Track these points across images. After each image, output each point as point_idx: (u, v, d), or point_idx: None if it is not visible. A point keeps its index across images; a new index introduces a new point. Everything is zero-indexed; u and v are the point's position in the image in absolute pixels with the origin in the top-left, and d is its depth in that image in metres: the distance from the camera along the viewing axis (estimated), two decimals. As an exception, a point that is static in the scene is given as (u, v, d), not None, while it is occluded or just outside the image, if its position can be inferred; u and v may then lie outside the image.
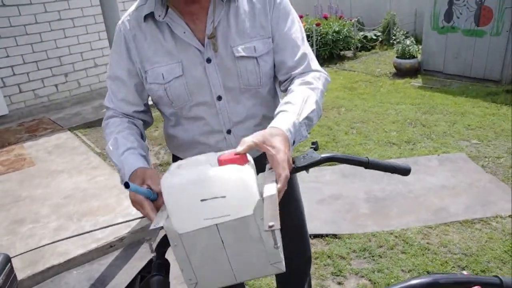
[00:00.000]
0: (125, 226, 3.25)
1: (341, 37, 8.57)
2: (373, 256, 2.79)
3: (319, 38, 8.46)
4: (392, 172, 1.43)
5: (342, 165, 4.10)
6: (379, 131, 4.88)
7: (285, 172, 1.02)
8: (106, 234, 3.17)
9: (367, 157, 1.43)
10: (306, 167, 1.38)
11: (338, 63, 8.42)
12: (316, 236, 3.06)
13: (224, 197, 0.92)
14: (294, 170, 1.37)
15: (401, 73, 7.12)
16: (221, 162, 0.96)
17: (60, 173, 4.33)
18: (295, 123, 1.16)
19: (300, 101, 1.22)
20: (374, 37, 9.36)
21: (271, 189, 0.96)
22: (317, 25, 8.56)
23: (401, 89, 6.44)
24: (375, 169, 1.42)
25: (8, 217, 3.57)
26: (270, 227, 0.81)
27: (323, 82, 1.35)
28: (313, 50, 8.17)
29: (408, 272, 2.63)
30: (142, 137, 1.40)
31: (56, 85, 6.87)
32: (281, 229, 0.86)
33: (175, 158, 1.58)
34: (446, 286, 0.84)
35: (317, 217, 3.29)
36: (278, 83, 1.46)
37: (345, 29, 8.65)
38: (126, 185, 1.03)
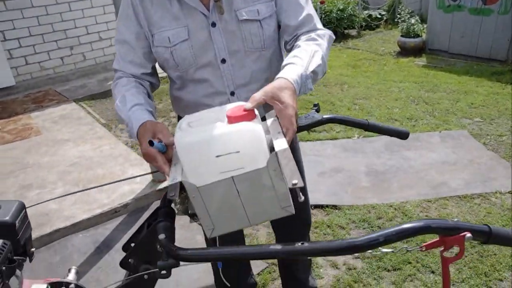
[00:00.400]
0: (130, 193, 3.32)
1: (345, 15, 8.53)
2: (372, 227, 2.86)
3: (323, 16, 8.42)
4: (391, 135, 1.48)
5: (343, 140, 4.16)
6: (382, 108, 4.91)
7: (292, 127, 1.08)
8: (111, 200, 3.24)
9: (367, 119, 1.47)
10: (307, 127, 1.43)
11: (342, 41, 8.40)
12: (316, 206, 3.12)
13: (238, 152, 0.99)
14: (298, 129, 1.42)
15: (405, 52, 7.12)
16: (231, 119, 1.02)
17: (66, 142, 4.39)
18: (302, 75, 1.20)
19: (307, 55, 1.27)
20: (379, 16, 9.31)
21: (282, 143, 1.03)
22: (321, 3, 8.50)
23: (405, 68, 6.45)
24: (375, 131, 1.48)
25: (16, 182, 3.64)
26: (294, 184, 0.87)
27: (328, 40, 1.39)
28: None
29: (406, 242, 2.69)
30: (149, 97, 1.44)
31: (61, 58, 6.89)
32: None
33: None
34: (437, 231, 0.90)
35: (318, 189, 3.34)
36: (284, 44, 1.50)
37: (349, 7, 8.61)
38: (151, 143, 1.11)
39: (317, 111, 1.45)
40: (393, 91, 5.42)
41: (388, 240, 0.84)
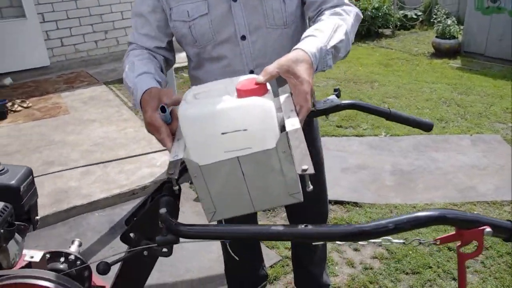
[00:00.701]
0: (149, 175, 3.32)
1: (380, 14, 8.35)
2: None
3: (357, 13, 8.25)
4: (414, 126, 1.41)
5: (370, 137, 4.07)
6: (411, 107, 4.78)
7: (307, 104, 1.00)
8: (130, 182, 3.24)
9: (389, 108, 1.40)
10: (325, 111, 1.37)
11: (375, 40, 8.23)
12: (336, 202, 3.05)
13: (245, 130, 0.91)
14: (314, 113, 1.36)
15: (439, 53, 6.91)
16: (240, 93, 0.94)
17: (92, 122, 4.43)
18: (322, 49, 1.12)
19: (329, 29, 1.18)
20: (415, 17, 9.08)
21: (294, 122, 0.94)
22: (356, 0, 8.36)
23: (438, 69, 6.26)
24: (397, 121, 1.40)
25: (41, 158, 3.70)
26: (304, 170, 0.79)
27: (354, 16, 1.31)
28: (351, 25, 7.99)
29: (428, 246, 2.60)
30: (162, 70, 1.38)
31: (96, 41, 7.01)
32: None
33: None
34: (454, 222, 0.83)
35: (339, 185, 3.27)
36: (308, 20, 1.43)
37: (384, 6, 8.43)
38: (163, 109, 1.03)
39: (338, 96, 1.39)
40: (424, 92, 5.27)
41: (398, 227, 0.77)
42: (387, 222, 0.77)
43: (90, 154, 3.71)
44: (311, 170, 0.80)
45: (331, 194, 3.13)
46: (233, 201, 1.01)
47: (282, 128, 0.96)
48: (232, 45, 1.36)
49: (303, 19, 1.42)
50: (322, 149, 1.72)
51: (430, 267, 2.43)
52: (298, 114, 0.99)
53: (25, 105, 5.03)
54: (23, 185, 1.12)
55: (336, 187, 3.21)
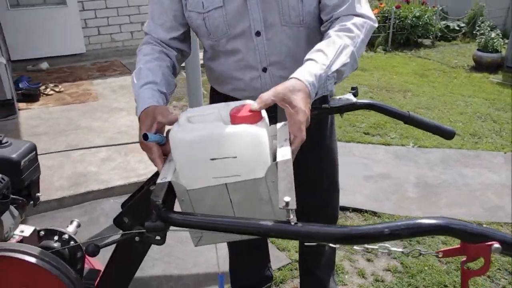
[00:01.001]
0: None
1: (420, 23, 8.15)
2: (410, 240, 2.67)
3: (397, 21, 8.09)
4: (434, 133, 1.35)
5: (397, 147, 3.97)
6: (444, 120, 4.64)
7: (301, 135, 0.98)
8: (149, 171, 3.24)
9: (408, 111, 1.34)
10: (339, 109, 1.32)
11: (413, 49, 8.06)
12: (355, 210, 2.97)
13: (235, 157, 0.90)
14: (327, 110, 1.31)
15: (480, 67, 6.70)
16: (233, 119, 0.92)
17: (119, 110, 4.47)
18: (322, 77, 1.08)
19: (333, 51, 1.14)
20: (457, 28, 8.83)
21: (286, 152, 0.92)
22: (397, 7, 8.18)
23: (476, 83, 6.07)
24: (416, 126, 1.35)
25: (66, 141, 3.76)
26: (286, 204, 0.76)
27: (366, 30, 1.24)
28: (388, 33, 7.88)
29: (445, 264, 2.49)
30: (174, 69, 1.36)
31: (131, 32, 7.10)
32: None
33: (213, 90, 1.55)
34: (459, 234, 0.76)
35: (360, 192, 3.19)
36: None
37: (426, 16, 8.22)
38: (145, 137, 1.01)
39: (355, 95, 1.34)
40: (459, 105, 5.12)
41: (394, 233, 0.71)
42: (382, 227, 0.72)
43: (113, 141, 3.74)
44: (293, 205, 0.76)
45: (350, 201, 3.09)
46: None
47: (275, 156, 0.94)
48: (246, 40, 1.32)
49: (322, 20, 1.36)
50: (337, 149, 1.66)
51: (446, 286, 2.32)
52: (291, 144, 0.97)
53: (57, 89, 5.13)
54: (25, 159, 1.11)
55: (357, 195, 3.13)
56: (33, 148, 1.17)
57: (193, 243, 1.04)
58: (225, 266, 1.98)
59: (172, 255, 2.49)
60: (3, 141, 1.10)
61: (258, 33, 1.30)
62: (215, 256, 2.35)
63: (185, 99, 4.96)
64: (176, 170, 0.96)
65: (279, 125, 1.05)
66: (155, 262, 2.44)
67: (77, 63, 6.46)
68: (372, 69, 6.63)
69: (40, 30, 6.26)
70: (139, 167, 3.29)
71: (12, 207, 1.09)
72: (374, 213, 2.94)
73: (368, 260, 2.50)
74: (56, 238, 1.09)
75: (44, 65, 6.12)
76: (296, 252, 2.50)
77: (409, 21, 8.07)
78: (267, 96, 0.98)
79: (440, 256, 0.81)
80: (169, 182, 0.93)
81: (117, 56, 6.74)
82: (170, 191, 0.95)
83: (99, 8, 6.75)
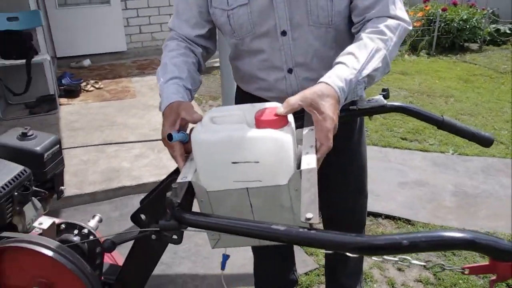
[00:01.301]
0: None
1: (468, 26, 7.83)
2: (445, 252, 2.57)
3: (442, 24, 7.81)
4: (469, 139, 1.27)
5: (435, 153, 3.84)
6: (487, 127, 4.45)
7: (327, 143, 0.94)
8: (181, 169, 3.26)
9: (442, 115, 1.27)
10: (368, 112, 1.27)
11: (459, 54, 7.74)
12: (387, 217, 2.89)
13: (257, 162, 0.88)
14: (355, 113, 1.27)
15: (531, 73, 6.39)
16: (258, 123, 0.89)
17: (155, 108, 4.52)
18: (352, 82, 1.04)
19: (365, 55, 1.09)
20: (508, 31, 8.42)
21: (311, 161, 0.88)
22: (443, 10, 7.90)
23: (526, 90, 5.81)
24: (450, 131, 1.28)
25: (101, 137, 3.84)
26: (307, 219, 0.72)
27: (399, 33, 1.18)
28: (433, 36, 7.63)
29: (482, 278, 2.38)
30: (200, 66, 1.34)
31: (172, 31, 7.18)
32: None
33: (238, 89, 1.53)
34: (486, 251, 0.70)
35: (394, 199, 3.10)
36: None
37: (474, 19, 7.89)
38: (170, 137, 0.99)
39: (385, 97, 1.28)
40: (505, 112, 4.90)
41: (414, 245, 0.66)
42: (401, 238, 0.67)
43: (147, 138, 3.78)
44: (315, 220, 0.72)
45: (384, 208, 3.01)
46: None
47: (299, 162, 0.90)
48: (271, 39, 1.28)
49: (352, 21, 1.30)
50: (366, 153, 1.60)
51: (483, 304, 2.22)
52: (317, 152, 0.93)
53: (97, 86, 5.26)
54: (48, 152, 1.12)
55: (390, 201, 3.04)
56: (57, 142, 1.18)
57: (210, 245, 1.02)
58: (249, 268, 1.96)
59: (200, 255, 2.49)
60: (28, 134, 1.12)
61: (284, 33, 1.26)
62: (242, 258, 2.36)
63: (221, 98, 4.97)
64: (197, 171, 0.94)
65: (305, 130, 1.01)
66: (182, 260, 2.45)
67: (118, 60, 6.60)
68: (413, 73, 6.45)
69: (84, 28, 6.45)
70: (170, 165, 3.27)
71: (35, 199, 1.10)
72: (408, 221, 2.84)
73: (399, 269, 2.41)
74: (75, 232, 1.09)
75: (86, 62, 6.28)
76: (324, 257, 2.45)
77: (455, 24, 7.77)
78: (295, 100, 0.94)
79: (466, 273, 0.75)
80: (190, 182, 0.92)
81: (157, 54, 6.84)
82: (190, 190, 0.93)
83: (141, 7, 6.88)
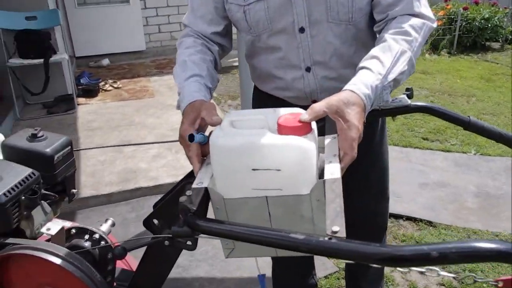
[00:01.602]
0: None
1: (489, 25, 7.65)
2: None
3: (463, 23, 7.66)
4: (497, 140, 1.23)
5: (457, 154, 3.76)
6: (510, 127, 4.34)
7: (352, 153, 0.89)
8: (198, 170, 3.23)
9: (469, 116, 1.22)
10: (391, 112, 1.22)
11: (480, 53, 7.59)
12: (408, 218, 2.82)
13: (279, 170, 0.83)
14: (377, 113, 1.22)
15: (554, 72, 6.23)
16: (281, 129, 0.85)
17: (173, 107, 4.46)
18: (378, 88, 0.99)
19: (390, 58, 1.04)
20: (529, 32, 8.24)
21: (334, 170, 0.84)
22: (465, 9, 7.74)
23: (550, 89, 5.65)
24: (476, 132, 1.24)
25: (119, 137, 3.83)
26: (334, 233, 0.70)
27: (424, 33, 1.12)
28: (454, 35, 7.50)
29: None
30: (216, 64, 1.29)
31: (191, 30, 7.18)
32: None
33: (255, 88, 1.49)
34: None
35: (415, 200, 3.03)
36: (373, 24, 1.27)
37: (496, 17, 7.72)
38: (191, 138, 0.94)
39: (409, 96, 1.23)
40: (529, 111, 4.78)
41: (443, 257, 0.61)
42: (429, 249, 0.62)
43: (165, 138, 3.76)
44: (343, 234, 0.70)
45: (405, 209, 2.94)
46: None
47: (321, 172, 0.86)
48: (289, 36, 1.23)
49: (373, 18, 1.24)
50: (388, 155, 1.55)
51: (507, 307, 2.14)
52: (340, 161, 0.88)
53: (115, 85, 5.27)
54: (58, 154, 1.09)
55: (411, 203, 2.97)
56: (68, 143, 1.14)
57: (224, 254, 0.98)
58: (267, 272, 1.91)
59: (217, 258, 2.45)
60: (39, 135, 1.09)
61: (302, 30, 1.21)
62: (260, 261, 2.30)
63: (239, 98, 4.94)
64: (213, 177, 0.90)
65: (328, 138, 0.97)
66: (199, 263, 2.41)
67: (137, 60, 6.61)
68: (434, 73, 6.34)
69: (103, 27, 6.47)
70: (188, 165, 3.24)
71: (44, 203, 1.07)
72: (430, 223, 2.78)
73: (421, 272, 2.34)
74: (86, 237, 1.06)
75: (105, 62, 6.31)
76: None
77: (477, 23, 7.61)
78: (320, 107, 0.90)
79: (499, 285, 0.70)
80: (205, 188, 0.88)
81: (175, 53, 6.82)
82: (205, 196, 0.89)
83: (161, 6, 6.88)
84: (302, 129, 0.85)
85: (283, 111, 0.91)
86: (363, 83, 0.98)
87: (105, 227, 1.14)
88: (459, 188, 3.20)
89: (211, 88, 1.18)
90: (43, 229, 1.02)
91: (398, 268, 0.68)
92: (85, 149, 3.37)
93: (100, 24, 6.44)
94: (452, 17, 7.58)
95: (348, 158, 0.89)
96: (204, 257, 2.45)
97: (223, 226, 0.80)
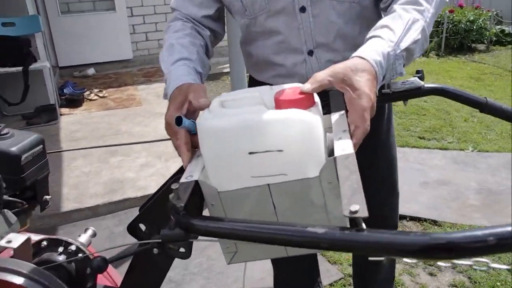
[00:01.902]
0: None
1: (474, 27, 7.74)
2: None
3: (450, 26, 7.71)
4: (515, 122, 1.11)
5: (455, 151, 3.70)
6: (505, 123, 4.25)
7: (364, 125, 0.76)
8: (188, 178, 3.09)
9: (485, 97, 1.12)
10: (403, 95, 1.11)
11: (467, 54, 7.66)
12: (412, 218, 2.71)
13: (281, 151, 0.70)
14: (389, 96, 1.10)
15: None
16: (279, 103, 0.73)
17: (161, 115, 4.30)
18: (390, 55, 0.87)
19: (401, 26, 0.92)
20: (512, 32, 8.35)
21: (346, 146, 0.70)
22: (450, 12, 7.80)
23: (539, 86, 5.63)
24: (493, 115, 1.16)
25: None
26: (353, 213, 0.55)
27: (436, 4, 1.01)
28: (441, 37, 7.54)
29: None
30: (208, 50, 1.17)
31: (179, 38, 7.07)
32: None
33: (251, 79, 1.35)
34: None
35: (417, 200, 2.92)
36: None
37: (480, 20, 7.81)
38: (179, 121, 0.80)
39: (421, 79, 1.12)
40: (522, 108, 4.72)
41: (503, 245, 0.49)
42: (484, 235, 0.50)
43: (152, 147, 3.61)
44: (364, 213, 0.55)
45: (407, 209, 2.81)
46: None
47: (331, 153, 0.73)
48: (289, 17, 1.11)
49: None
50: (395, 145, 1.43)
51: (522, 306, 2.02)
52: (351, 137, 0.75)
53: (101, 94, 5.11)
54: (27, 154, 0.94)
55: (413, 203, 2.86)
56: (40, 141, 0.99)
57: (226, 260, 0.83)
58: (269, 282, 1.78)
59: (213, 270, 2.29)
60: (2, 132, 0.94)
61: (302, 9, 1.09)
62: (260, 271, 2.16)
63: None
64: (205, 168, 0.76)
65: (334, 115, 0.83)
66: (193, 277, 2.25)
67: (124, 69, 6.46)
68: (425, 74, 6.29)
69: (88, 36, 6.28)
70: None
71: (8, 212, 0.91)
72: (434, 222, 2.68)
73: (431, 274, 2.22)
74: (60, 249, 0.90)
75: (91, 71, 6.14)
76: (350, 265, 2.26)
77: (462, 26, 7.69)
78: (323, 75, 0.78)
79: None
80: (196, 182, 0.73)
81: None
82: (197, 193, 0.75)
83: (148, 13, 6.72)
84: (304, 101, 0.72)
85: (280, 87, 0.78)
86: (372, 49, 0.85)
87: (84, 238, 0.98)
88: (460, 186, 3.11)
89: (202, 74, 1.05)
90: (2, 242, 0.84)
91: (441, 264, 0.55)
92: (65, 150, 3.21)
93: (85, 33, 6.25)
94: (439, 20, 7.61)
95: (360, 131, 0.76)
96: (198, 270, 2.29)
97: (223, 224, 0.65)
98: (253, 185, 0.73)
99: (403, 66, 0.93)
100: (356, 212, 0.54)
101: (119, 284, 1.09)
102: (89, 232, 1.01)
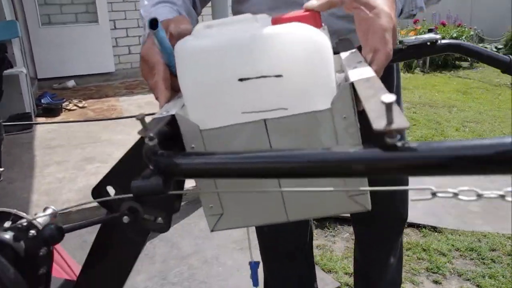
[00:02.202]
0: (189, 181, 2.96)
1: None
2: (483, 259, 2.22)
3: (432, 43, 7.80)
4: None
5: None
6: (496, 132, 4.28)
7: (385, 48, 0.60)
8: (171, 183, 2.91)
9: (510, 56, 0.98)
10: (418, 50, 0.97)
11: (452, 70, 7.73)
12: (411, 225, 2.56)
13: (279, 76, 0.54)
14: (402, 53, 0.97)
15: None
16: (276, 21, 0.58)
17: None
18: None
19: None
20: (495, 50, 8.43)
21: (364, 71, 0.54)
22: (436, 28, 7.88)
23: (525, 99, 5.64)
24: None
25: (81, 154, 3.49)
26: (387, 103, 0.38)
27: None
28: (426, 55, 7.63)
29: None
30: (195, 3, 1.00)
31: (163, 52, 6.97)
32: None
33: None
34: None
35: (414, 206, 2.74)
36: None
37: (463, 37, 7.93)
38: (153, 24, 0.61)
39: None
40: (510, 118, 4.75)
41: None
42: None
43: (134, 154, 3.43)
44: (405, 123, 0.39)
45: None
46: (253, 200, 0.62)
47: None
48: None
49: None
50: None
51: (533, 316, 1.86)
52: (372, 64, 0.59)
53: (80, 105, 4.94)
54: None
55: (412, 209, 2.66)
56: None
57: (209, 226, 0.65)
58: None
59: (195, 279, 2.09)
60: None
61: None
62: (247, 280, 1.96)
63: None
64: (185, 104, 0.59)
65: (344, 54, 0.67)
66: (173, 286, 2.04)
67: (105, 82, 6.32)
68: (411, 88, 6.35)
69: (69, 48, 6.14)
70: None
71: None
72: (434, 228, 2.52)
73: (435, 282, 2.05)
74: (7, 224, 0.72)
75: (71, 83, 5.97)
76: (346, 273, 2.08)
77: (446, 43, 7.77)
78: None
79: None
80: (173, 117, 0.57)
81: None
82: (174, 133, 0.58)
83: (131, 26, 6.62)
84: (309, 19, 0.57)
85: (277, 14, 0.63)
86: None
87: (42, 218, 0.80)
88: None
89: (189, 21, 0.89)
90: None
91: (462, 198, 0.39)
92: (39, 123, 2.96)
93: (66, 45, 6.10)
94: (422, 38, 7.70)
95: (382, 55, 0.59)
96: (179, 279, 2.09)
97: (213, 159, 0.48)
98: (245, 121, 0.57)
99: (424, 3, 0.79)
100: (391, 103, 0.37)
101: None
102: (49, 210, 0.83)
